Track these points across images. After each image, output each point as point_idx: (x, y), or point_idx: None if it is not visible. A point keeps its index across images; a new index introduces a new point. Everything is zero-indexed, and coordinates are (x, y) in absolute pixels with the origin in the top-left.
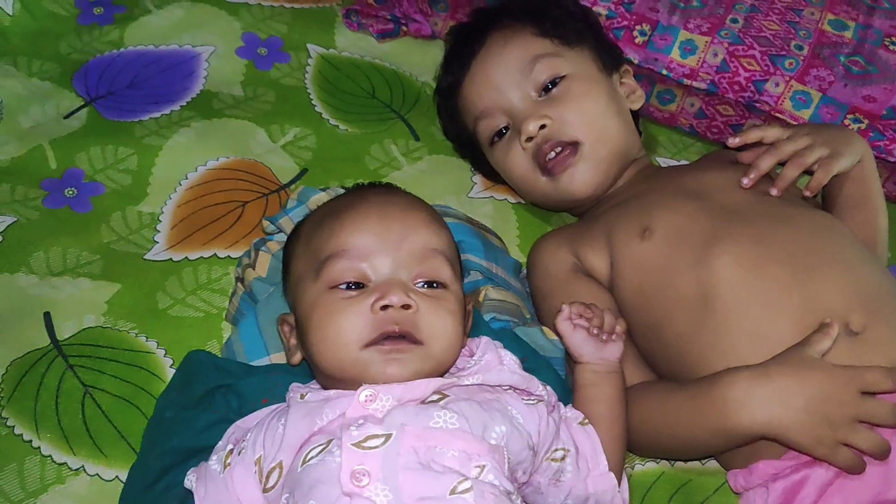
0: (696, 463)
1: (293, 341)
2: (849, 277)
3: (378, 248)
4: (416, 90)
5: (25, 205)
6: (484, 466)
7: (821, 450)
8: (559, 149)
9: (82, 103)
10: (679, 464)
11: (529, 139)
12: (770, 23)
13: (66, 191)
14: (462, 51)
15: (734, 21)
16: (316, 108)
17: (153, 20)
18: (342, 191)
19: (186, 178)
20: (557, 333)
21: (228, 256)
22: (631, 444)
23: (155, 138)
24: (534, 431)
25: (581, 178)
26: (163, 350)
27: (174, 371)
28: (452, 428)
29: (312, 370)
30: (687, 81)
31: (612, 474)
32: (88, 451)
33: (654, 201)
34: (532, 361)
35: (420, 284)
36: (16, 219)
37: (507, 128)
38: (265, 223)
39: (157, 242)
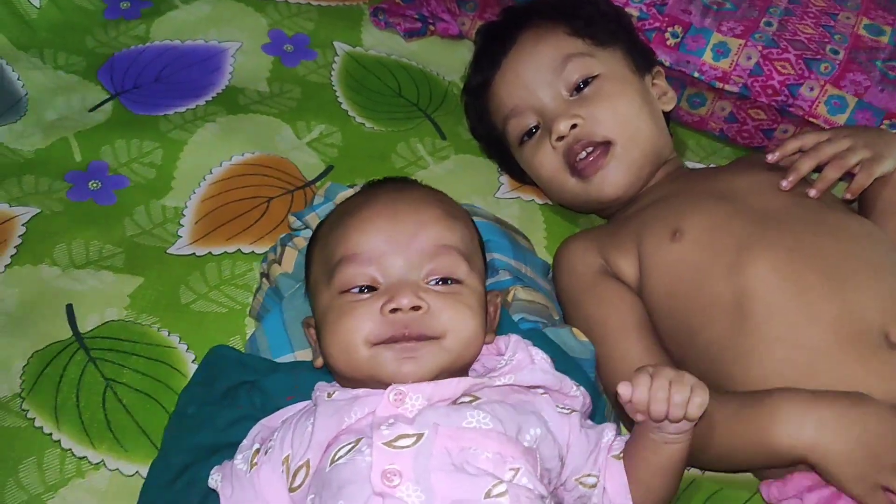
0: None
1: (316, 344)
2: (887, 287)
3: (388, 249)
4: (442, 89)
5: (50, 196)
6: (518, 469)
7: (858, 488)
8: (590, 149)
9: (108, 96)
10: (710, 472)
11: (560, 138)
12: (805, 26)
13: (91, 183)
14: (492, 49)
15: (768, 24)
16: (342, 106)
17: (179, 15)
18: None
19: (211, 173)
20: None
21: (253, 252)
22: None
23: (180, 132)
24: (563, 442)
25: (613, 178)
26: (185, 345)
27: (196, 366)
28: (486, 428)
29: (332, 374)
30: (719, 84)
31: None
32: (109, 446)
33: (685, 202)
34: (561, 363)
35: (433, 282)
36: (39, 210)
37: (536, 127)
38: (291, 219)
39: (181, 237)
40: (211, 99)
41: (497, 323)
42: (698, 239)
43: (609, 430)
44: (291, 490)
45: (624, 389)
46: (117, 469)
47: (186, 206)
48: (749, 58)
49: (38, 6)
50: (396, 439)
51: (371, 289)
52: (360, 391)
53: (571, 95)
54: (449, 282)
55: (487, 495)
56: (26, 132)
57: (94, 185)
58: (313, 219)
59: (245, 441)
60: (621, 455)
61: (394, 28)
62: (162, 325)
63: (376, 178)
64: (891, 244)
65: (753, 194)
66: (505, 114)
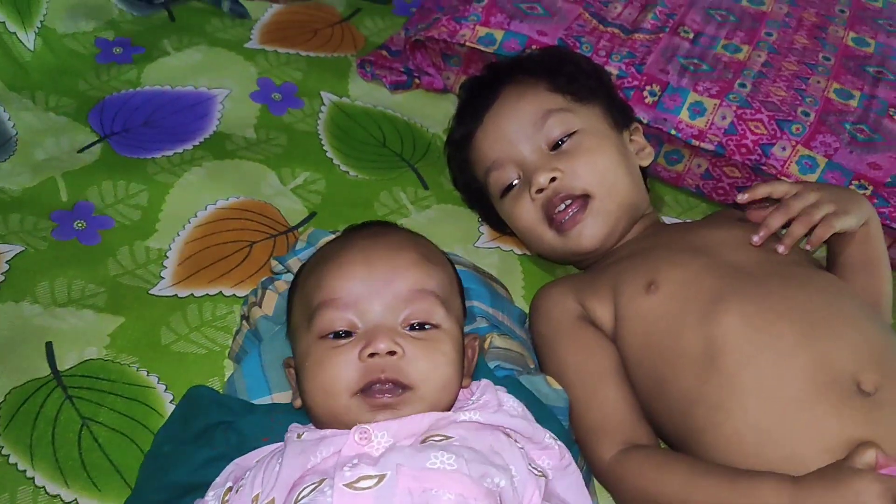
0: None
1: (296, 385)
2: (859, 337)
3: (364, 294)
4: (426, 141)
5: (34, 235)
6: None
7: None
8: (569, 201)
9: (97, 139)
10: None
11: (539, 191)
12: (777, 88)
13: (76, 223)
14: (476, 103)
15: (742, 85)
16: (327, 154)
17: (171, 62)
18: None
19: (196, 216)
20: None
21: (234, 295)
22: None
23: (167, 175)
24: (526, 501)
25: (590, 231)
26: (163, 385)
27: (174, 406)
28: (450, 470)
29: (309, 415)
30: (695, 142)
31: None
32: (83, 485)
33: (660, 256)
34: (535, 410)
35: (410, 327)
36: (23, 248)
37: (517, 181)
38: (273, 263)
39: (164, 278)
40: (198, 144)
41: (474, 367)
42: (672, 291)
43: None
44: None
45: None
46: None
47: (170, 248)
48: (724, 117)
49: (33, 49)
50: (358, 480)
51: (348, 334)
52: (328, 431)
53: (552, 150)
54: (426, 326)
55: None
56: (15, 171)
57: (80, 224)
58: (295, 263)
59: (218, 479)
60: None
61: (380, 80)
62: (141, 365)
63: (346, 229)
64: (857, 298)
65: (726, 249)
66: (487, 166)
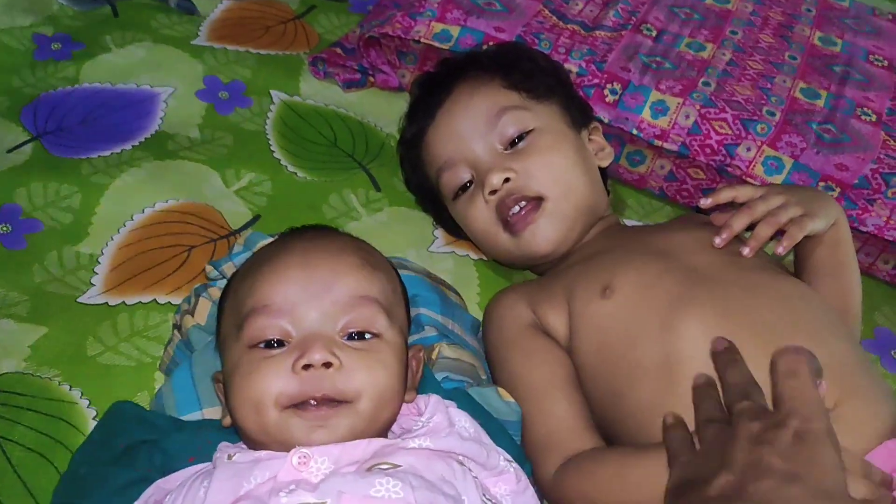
0: None
1: (224, 401)
2: (819, 350)
3: (300, 300)
4: (380, 141)
5: None
6: None
7: None
8: (523, 203)
9: (28, 138)
10: None
11: (493, 192)
12: (742, 87)
13: (0, 227)
14: (428, 100)
15: (706, 84)
16: (274, 154)
17: (112, 58)
18: None
19: (132, 220)
20: None
21: (169, 303)
22: None
23: (102, 177)
24: None
25: (543, 234)
26: (87, 400)
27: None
28: (396, 498)
29: (239, 433)
30: (658, 142)
31: None
32: None
33: (617, 258)
34: (486, 425)
35: (348, 336)
36: None
37: (471, 182)
38: (208, 268)
39: (94, 285)
40: (138, 144)
41: (419, 379)
42: (629, 296)
43: None
44: None
45: None
46: None
47: (102, 253)
48: (687, 116)
49: None
50: None
51: (281, 343)
52: (263, 453)
53: (506, 149)
54: (366, 336)
55: None
56: None
57: (4, 228)
58: (230, 268)
59: (137, 502)
60: None
61: (333, 78)
62: (63, 379)
63: (283, 233)
64: (824, 307)
65: (686, 252)
66: (438, 166)
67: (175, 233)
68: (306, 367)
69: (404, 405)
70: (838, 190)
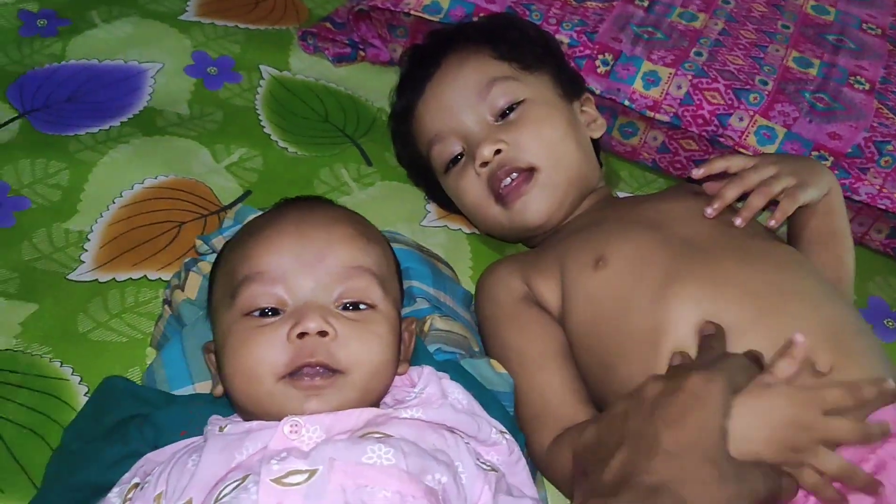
0: None
1: (217, 371)
2: (814, 315)
3: (295, 269)
4: (371, 115)
5: None
6: None
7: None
8: (514, 175)
9: (15, 115)
10: None
11: (484, 164)
12: (734, 57)
13: None
14: (417, 73)
15: (698, 54)
16: (265, 130)
17: (99, 34)
18: None
19: (121, 196)
20: None
21: (160, 279)
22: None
23: (90, 154)
24: (473, 500)
25: (535, 206)
26: (78, 377)
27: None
28: (387, 465)
29: (231, 404)
30: (650, 113)
31: None
32: None
33: (610, 230)
34: (478, 396)
35: (343, 306)
36: None
37: (462, 154)
38: (198, 242)
39: (84, 262)
40: (126, 120)
41: (412, 352)
42: (622, 268)
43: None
44: None
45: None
46: None
47: (92, 230)
48: (679, 87)
49: None
50: (287, 475)
51: (276, 312)
52: (254, 424)
53: (497, 121)
54: (361, 307)
55: None
56: None
57: None
58: (220, 242)
59: (126, 475)
60: None
61: (323, 53)
62: (55, 356)
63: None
64: (817, 274)
65: (679, 222)
66: (429, 139)
67: (165, 209)
68: (301, 335)
69: (397, 377)
70: (831, 159)
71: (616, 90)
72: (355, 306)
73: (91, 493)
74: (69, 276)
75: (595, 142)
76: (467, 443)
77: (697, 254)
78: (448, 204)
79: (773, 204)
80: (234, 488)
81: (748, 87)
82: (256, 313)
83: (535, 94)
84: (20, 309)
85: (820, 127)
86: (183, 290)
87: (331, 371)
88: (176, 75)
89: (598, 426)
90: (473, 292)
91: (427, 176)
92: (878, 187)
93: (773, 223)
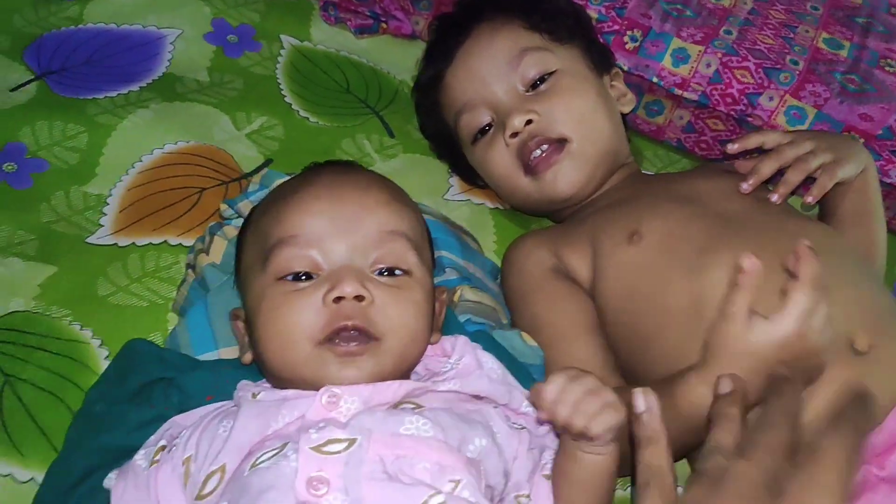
0: None
1: (246, 339)
2: (852, 295)
3: (330, 232)
4: (393, 88)
5: None
6: (459, 481)
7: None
8: (545, 146)
9: (32, 77)
10: None
11: (514, 135)
12: (764, 36)
13: (5, 165)
14: (446, 42)
15: (728, 32)
16: (286, 99)
17: None
18: None
19: (140, 161)
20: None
21: (180, 244)
22: None
23: (109, 117)
24: (510, 457)
25: (566, 176)
26: (98, 340)
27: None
28: (426, 436)
29: (262, 370)
30: (678, 91)
31: None
32: (4, 449)
33: (644, 204)
34: (509, 368)
35: (379, 271)
36: None
37: (490, 125)
38: (223, 206)
39: (103, 226)
40: (146, 85)
41: (442, 322)
42: (657, 242)
43: (549, 450)
44: (199, 498)
45: (535, 387)
46: (10, 475)
47: (111, 194)
48: (708, 65)
49: None
50: (326, 444)
51: (309, 276)
52: (290, 392)
53: (527, 91)
54: (396, 272)
55: None
56: None
57: (10, 167)
58: (246, 206)
59: (152, 437)
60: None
61: (344, 24)
62: (74, 319)
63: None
64: (853, 253)
65: (714, 198)
66: (457, 109)
67: (185, 174)
68: (337, 299)
69: (429, 347)
70: (862, 141)
71: (644, 66)
72: (391, 272)
73: (115, 455)
74: (88, 240)
75: (623, 117)
76: (496, 407)
77: (733, 226)
78: (471, 177)
79: (808, 181)
80: (272, 455)
81: (779, 66)
82: (290, 277)
83: (566, 66)
84: (39, 271)
85: (851, 108)
86: (208, 254)
87: (366, 337)
88: (195, 42)
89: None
90: (499, 265)
91: (452, 147)
92: None
93: (809, 199)
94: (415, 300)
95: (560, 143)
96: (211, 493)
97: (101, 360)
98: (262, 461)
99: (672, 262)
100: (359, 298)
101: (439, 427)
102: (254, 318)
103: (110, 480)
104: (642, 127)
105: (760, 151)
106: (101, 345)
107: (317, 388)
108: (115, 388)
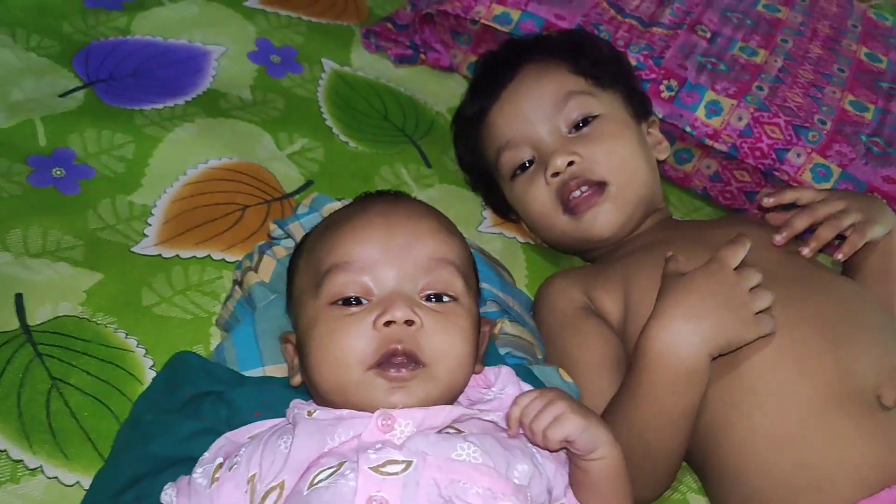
0: None
1: (295, 361)
2: (880, 349)
3: (381, 259)
4: (430, 118)
5: (9, 179)
6: None
7: (752, 331)
8: (584, 187)
9: (80, 84)
10: None
11: (556, 174)
12: (794, 94)
13: (54, 170)
14: (492, 79)
15: (760, 88)
16: (326, 122)
17: (164, 12)
18: None
19: (185, 174)
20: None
21: (223, 259)
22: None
23: (155, 129)
24: (550, 475)
25: (604, 218)
26: (143, 349)
27: (154, 373)
28: (476, 463)
29: (311, 393)
30: (709, 142)
31: None
32: (49, 451)
33: (679, 250)
34: None
35: (427, 297)
36: None
37: (531, 161)
38: (272, 227)
39: (147, 236)
40: (190, 99)
41: (484, 352)
42: None
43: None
44: None
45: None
46: (56, 477)
47: (156, 205)
48: (740, 118)
49: None
50: (385, 465)
51: (360, 302)
52: (345, 412)
53: (570, 133)
54: (444, 299)
55: None
56: None
57: (59, 172)
58: (296, 228)
59: (207, 454)
60: None
61: (385, 52)
62: (119, 326)
63: (358, 196)
64: (880, 309)
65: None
66: (500, 145)
67: (229, 191)
68: (388, 323)
69: (473, 378)
70: (884, 203)
71: (679, 115)
72: (438, 298)
73: (163, 464)
74: (133, 249)
75: (658, 163)
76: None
77: (765, 277)
78: (504, 211)
79: (838, 239)
80: (330, 474)
81: (807, 124)
82: (341, 302)
83: (608, 111)
84: (86, 277)
85: (875, 170)
86: (256, 272)
87: (415, 363)
88: (239, 60)
89: None
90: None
91: (488, 181)
92: None
93: (839, 256)
94: (461, 326)
95: (600, 185)
96: None
97: (146, 370)
98: (321, 480)
99: None
100: (409, 323)
101: (487, 454)
102: (306, 341)
103: (168, 496)
104: (670, 173)
105: (792, 207)
106: (145, 354)
107: (370, 410)
108: (164, 399)
